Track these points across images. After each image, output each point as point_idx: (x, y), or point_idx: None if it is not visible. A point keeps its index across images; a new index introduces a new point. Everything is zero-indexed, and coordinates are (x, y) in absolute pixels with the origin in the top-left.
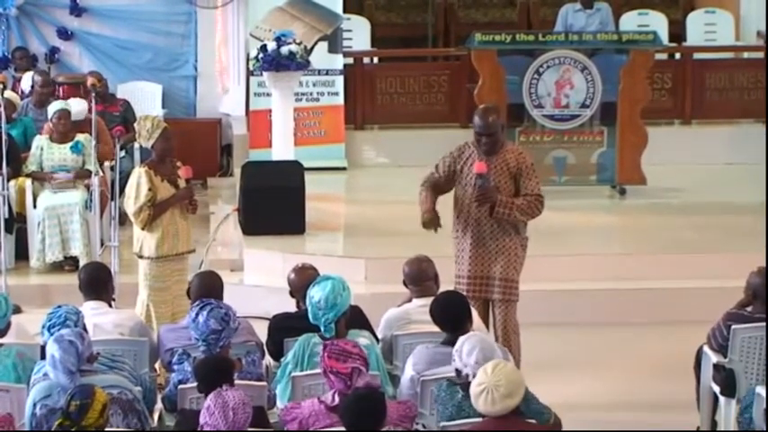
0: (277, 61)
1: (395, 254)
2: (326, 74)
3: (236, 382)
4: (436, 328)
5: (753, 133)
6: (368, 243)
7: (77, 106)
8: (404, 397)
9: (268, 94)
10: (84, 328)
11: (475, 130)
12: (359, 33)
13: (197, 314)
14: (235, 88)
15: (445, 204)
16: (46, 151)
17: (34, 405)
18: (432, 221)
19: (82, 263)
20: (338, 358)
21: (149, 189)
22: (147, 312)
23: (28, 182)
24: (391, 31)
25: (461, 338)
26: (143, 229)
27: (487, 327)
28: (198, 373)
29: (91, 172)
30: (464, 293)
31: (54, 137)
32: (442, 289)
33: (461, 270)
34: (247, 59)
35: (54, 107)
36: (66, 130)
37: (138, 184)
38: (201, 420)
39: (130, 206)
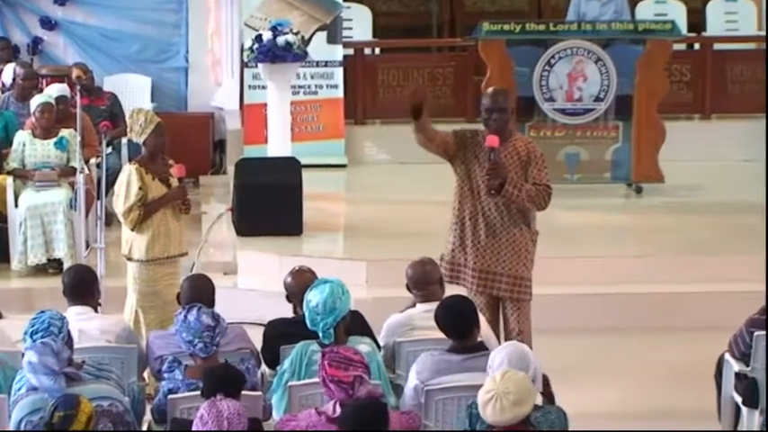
0: (273, 52)
1: (397, 256)
2: (325, 65)
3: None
4: (441, 335)
5: None
6: (369, 244)
7: (58, 86)
8: (407, 407)
9: (263, 87)
10: (69, 335)
11: (484, 108)
12: (359, 23)
13: (185, 316)
14: (228, 81)
15: (445, 204)
16: (28, 147)
17: (20, 422)
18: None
19: (66, 265)
20: (339, 366)
21: (140, 188)
22: (136, 318)
23: (9, 180)
24: (394, 21)
25: (497, 348)
26: (133, 230)
27: (497, 327)
28: (208, 377)
29: (76, 169)
30: (468, 286)
31: (37, 132)
32: (448, 293)
33: (462, 258)
34: (241, 50)
35: (37, 101)
36: (49, 124)
37: (129, 182)
38: (194, 430)
39: (120, 205)
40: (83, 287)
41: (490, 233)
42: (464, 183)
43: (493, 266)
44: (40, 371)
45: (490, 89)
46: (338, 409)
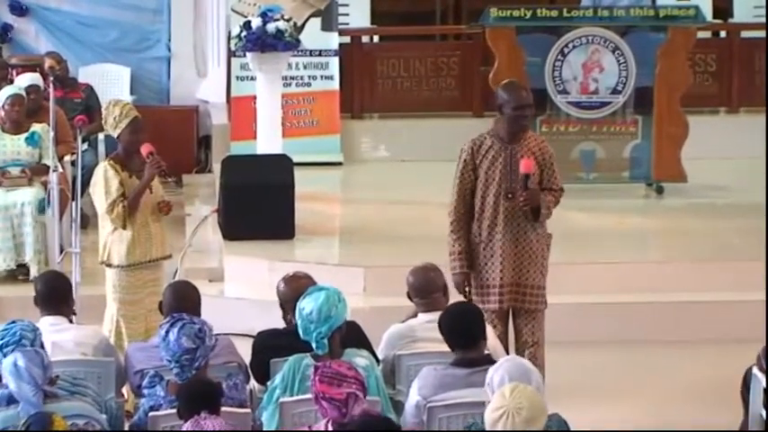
0: (263, 40)
1: (397, 262)
2: (319, 55)
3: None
4: (445, 347)
5: None
6: (367, 249)
7: (29, 75)
8: (408, 426)
9: (252, 79)
10: (42, 347)
11: (511, 106)
12: (357, 8)
13: (167, 332)
14: (214, 71)
15: (443, 204)
16: None
17: None
18: (462, 284)
19: (33, 272)
20: (331, 382)
21: (120, 182)
22: (118, 329)
23: None
24: (393, 6)
25: (494, 366)
26: (123, 227)
27: (506, 338)
28: (182, 396)
29: (48, 167)
30: (495, 305)
31: (6, 127)
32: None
33: (489, 278)
34: (228, 38)
35: (6, 92)
36: (20, 118)
37: (106, 178)
38: None
39: (102, 204)
40: (56, 296)
41: (514, 241)
42: (483, 197)
43: (517, 278)
44: (25, 379)
45: (508, 82)
46: (330, 428)
